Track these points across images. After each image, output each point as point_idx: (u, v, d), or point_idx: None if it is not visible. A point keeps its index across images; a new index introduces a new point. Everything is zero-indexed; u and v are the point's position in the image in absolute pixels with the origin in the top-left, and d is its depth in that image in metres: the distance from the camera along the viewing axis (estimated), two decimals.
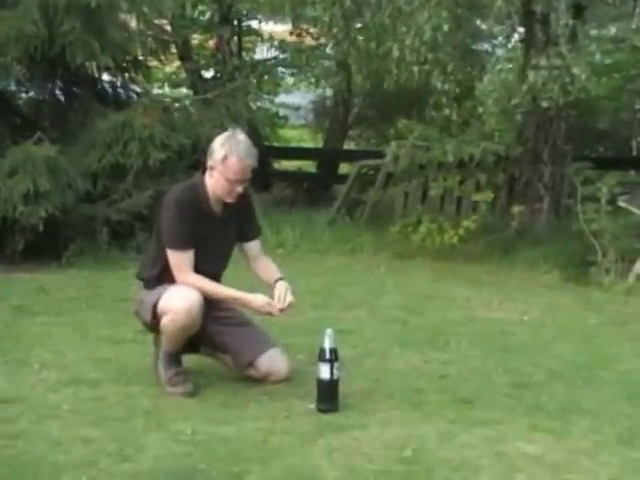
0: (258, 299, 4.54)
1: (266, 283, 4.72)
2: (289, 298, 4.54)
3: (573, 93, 7.80)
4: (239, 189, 4.54)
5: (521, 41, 9.03)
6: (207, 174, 4.58)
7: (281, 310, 4.53)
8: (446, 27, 7.89)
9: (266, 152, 13.23)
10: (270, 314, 4.57)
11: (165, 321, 4.47)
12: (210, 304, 4.52)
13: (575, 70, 7.47)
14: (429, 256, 8.71)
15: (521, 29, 8.94)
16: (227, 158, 4.46)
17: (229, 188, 4.53)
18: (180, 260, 4.53)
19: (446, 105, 8.93)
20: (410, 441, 3.97)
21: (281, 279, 4.66)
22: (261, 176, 10.05)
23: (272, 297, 4.56)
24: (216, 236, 4.62)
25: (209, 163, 4.55)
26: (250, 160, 4.51)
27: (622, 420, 4.29)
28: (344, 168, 13.61)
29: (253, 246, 4.83)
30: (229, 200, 4.58)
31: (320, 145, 15.08)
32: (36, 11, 8.29)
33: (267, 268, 4.77)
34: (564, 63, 7.60)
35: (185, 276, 4.52)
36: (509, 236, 8.92)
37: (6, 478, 3.53)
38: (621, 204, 8.07)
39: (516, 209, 8.99)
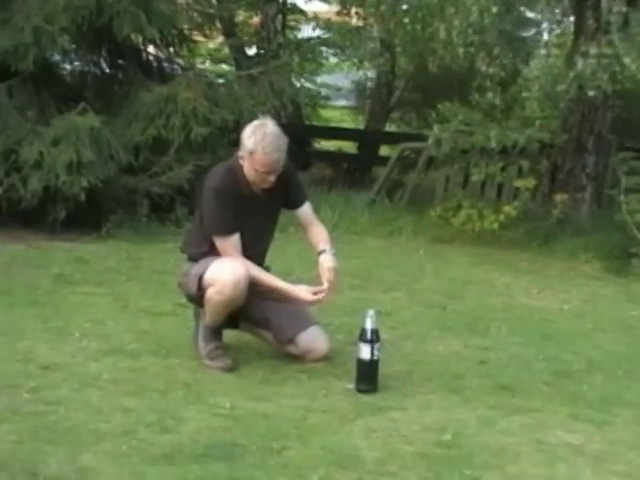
0: (302, 291, 4.55)
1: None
2: (331, 276, 4.54)
3: (622, 82, 7.69)
4: (271, 178, 4.52)
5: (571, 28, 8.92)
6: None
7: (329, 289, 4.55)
8: (495, 9, 7.80)
9: (306, 131, 13.26)
10: (314, 303, 4.58)
11: (211, 293, 4.47)
12: (253, 280, 4.51)
13: (626, 59, 7.35)
14: (468, 241, 8.64)
15: (571, 17, 8.83)
16: (254, 152, 4.43)
17: (261, 177, 4.52)
18: (226, 244, 4.53)
19: (490, 89, 8.82)
20: (449, 425, 3.96)
21: (324, 251, 4.64)
22: (301, 155, 10.03)
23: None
24: (260, 214, 4.63)
25: (240, 152, 4.53)
26: (277, 154, 4.46)
27: None
28: (384, 150, 13.55)
29: (304, 212, 4.82)
30: (264, 186, 4.56)
31: (361, 126, 15.02)
32: None
33: (316, 237, 4.76)
34: (614, 52, 7.48)
35: None
36: (550, 224, 8.82)
37: (47, 443, 3.56)
38: None
39: (558, 197, 8.88)
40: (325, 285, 4.54)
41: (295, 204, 4.80)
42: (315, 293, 4.54)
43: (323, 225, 4.90)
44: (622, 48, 7.35)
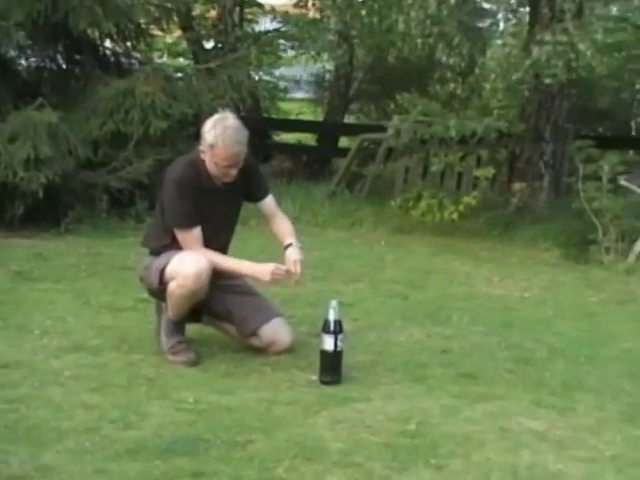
0: (266, 268, 4.50)
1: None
2: (298, 269, 4.53)
3: (577, 70, 7.76)
4: (233, 172, 4.50)
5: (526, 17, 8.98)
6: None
7: (295, 281, 4.55)
8: (453, 0, 7.83)
9: (266, 124, 13.24)
10: (277, 281, 4.54)
11: (173, 286, 4.45)
12: (216, 272, 4.49)
13: (580, 46, 7.42)
14: (429, 231, 8.68)
15: (527, 6, 8.89)
16: (214, 146, 4.41)
17: (222, 171, 4.50)
18: (188, 237, 4.51)
19: (451, 79, 8.87)
20: (414, 415, 3.96)
21: (290, 245, 4.63)
22: (261, 148, 10.01)
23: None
24: (221, 207, 4.60)
25: (201, 146, 4.50)
26: (237, 147, 4.44)
27: (625, 397, 4.30)
28: (344, 142, 13.56)
29: (267, 204, 4.80)
30: (226, 180, 4.54)
31: (320, 118, 15.02)
32: None
33: (281, 230, 4.75)
34: (569, 39, 7.55)
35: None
36: (509, 213, 8.90)
37: (8, 442, 3.51)
38: (622, 183, 8.05)
39: (517, 186, 8.96)
40: (292, 273, 4.53)
41: (258, 197, 4.79)
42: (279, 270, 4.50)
43: (286, 217, 4.88)
44: (576, 35, 7.42)
